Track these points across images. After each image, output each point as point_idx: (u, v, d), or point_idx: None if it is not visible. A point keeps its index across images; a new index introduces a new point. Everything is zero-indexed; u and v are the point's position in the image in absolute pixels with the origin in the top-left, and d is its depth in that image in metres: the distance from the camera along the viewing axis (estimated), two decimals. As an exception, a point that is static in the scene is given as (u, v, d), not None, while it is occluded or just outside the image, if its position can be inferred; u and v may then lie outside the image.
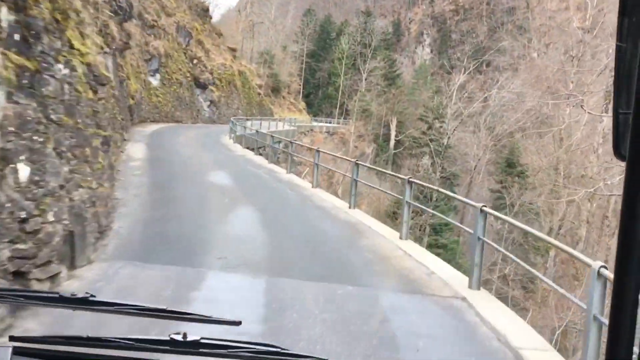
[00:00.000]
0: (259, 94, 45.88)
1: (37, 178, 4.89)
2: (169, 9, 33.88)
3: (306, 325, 4.29)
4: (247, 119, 30.31)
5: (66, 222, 5.44)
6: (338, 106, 61.09)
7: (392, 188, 32.27)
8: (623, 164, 0.60)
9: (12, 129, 4.46)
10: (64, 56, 6.50)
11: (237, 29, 56.41)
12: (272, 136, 17.20)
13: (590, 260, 4.01)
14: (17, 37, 4.81)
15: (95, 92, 9.63)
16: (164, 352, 1.06)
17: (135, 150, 15.27)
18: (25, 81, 4.88)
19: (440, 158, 38.08)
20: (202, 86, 34.60)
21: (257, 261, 6.13)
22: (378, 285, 5.63)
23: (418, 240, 30.65)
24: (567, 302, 15.71)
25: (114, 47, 13.37)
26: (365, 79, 56.90)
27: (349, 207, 9.72)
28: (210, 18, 44.40)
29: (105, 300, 1.14)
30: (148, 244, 6.62)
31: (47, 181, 5.19)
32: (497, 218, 6.89)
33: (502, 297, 22.15)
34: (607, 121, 18.66)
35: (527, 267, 5.82)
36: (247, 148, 19.55)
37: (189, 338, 1.04)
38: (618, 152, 0.66)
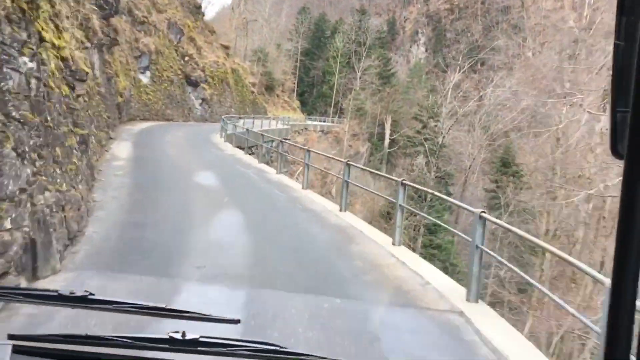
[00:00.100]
0: (253, 92, 45.32)
1: (-11, 182, 4.41)
2: (160, 5, 33.30)
3: (287, 346, 3.84)
4: (240, 118, 29.77)
5: (27, 229, 4.97)
6: (332, 105, 60.67)
7: (387, 187, 31.92)
8: (621, 163, 0.60)
9: (-43, 127, 3.99)
10: (31, 48, 6.00)
11: (230, 27, 55.84)
12: (262, 135, 16.72)
13: (602, 277, 3.60)
14: (-34, 25, 4.33)
15: (72, 88, 9.14)
16: (163, 351, 1.06)
17: (121, 149, 14.77)
18: (-24, 74, 4.40)
19: (435, 157, 37.75)
20: (194, 84, 34.04)
21: (239, 271, 5.68)
22: (368, 298, 5.19)
23: (412, 240, 30.35)
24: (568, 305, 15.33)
25: (95, 42, 12.84)
26: (360, 78, 56.48)
27: (340, 210, 9.29)
28: (203, 15, 43.80)
29: (103, 298, 1.14)
30: (122, 251, 6.15)
31: (5, 185, 4.72)
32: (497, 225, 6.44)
33: (499, 302, 21.84)
34: (605, 120, 18.35)
35: (528, 278, 5.42)
36: (239, 147, 19.09)
37: (188, 336, 1.04)
38: (616, 150, 0.65)
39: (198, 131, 24.83)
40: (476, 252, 5.19)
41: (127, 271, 5.37)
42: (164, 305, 1.16)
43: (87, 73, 10.02)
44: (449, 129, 39.91)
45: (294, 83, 64.17)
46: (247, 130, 19.11)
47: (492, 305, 20.35)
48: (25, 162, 5.27)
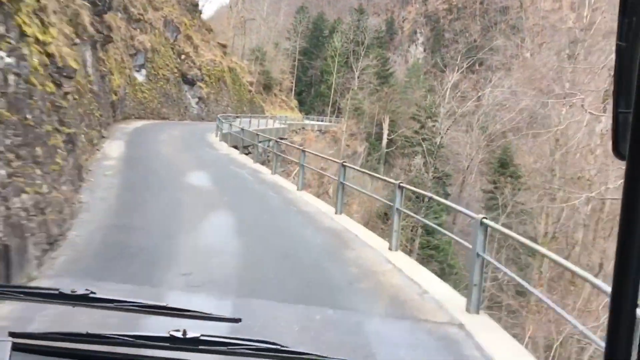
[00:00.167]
0: (250, 91, 44.98)
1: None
2: (156, 2, 32.93)
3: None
4: (237, 117, 29.43)
5: (0, 234, 4.67)
6: (330, 104, 60.33)
7: (385, 187, 31.61)
8: (623, 163, 0.60)
9: None
10: (9, 43, 5.71)
11: (228, 25, 55.47)
12: (257, 134, 16.42)
13: (600, 283, 3.33)
14: None
15: (58, 85, 8.82)
16: (164, 349, 1.06)
17: (113, 148, 14.45)
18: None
19: (432, 157, 37.50)
20: (190, 82, 33.68)
21: (227, 278, 5.39)
22: (362, 308, 4.91)
23: (410, 241, 30.08)
24: (566, 308, 15.11)
25: (86, 38, 12.51)
26: (358, 77, 56.19)
27: (335, 213, 9.01)
28: (200, 13, 43.42)
29: (104, 297, 1.15)
30: (105, 257, 5.86)
31: (-25, 187, 4.42)
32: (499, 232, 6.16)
33: (496, 305, 21.59)
34: (606, 121, 18.11)
35: (527, 285, 5.15)
36: (234, 147, 18.79)
37: (189, 335, 1.04)
38: (618, 151, 0.65)
39: (193, 130, 24.51)
40: (477, 260, 4.91)
41: (107, 279, 5.07)
42: (164, 304, 1.18)
43: (76, 70, 9.69)
44: (447, 129, 39.66)
45: (292, 82, 63.87)
46: (242, 129, 18.80)
47: (490, 308, 20.14)
48: (0, 162, 4.97)
